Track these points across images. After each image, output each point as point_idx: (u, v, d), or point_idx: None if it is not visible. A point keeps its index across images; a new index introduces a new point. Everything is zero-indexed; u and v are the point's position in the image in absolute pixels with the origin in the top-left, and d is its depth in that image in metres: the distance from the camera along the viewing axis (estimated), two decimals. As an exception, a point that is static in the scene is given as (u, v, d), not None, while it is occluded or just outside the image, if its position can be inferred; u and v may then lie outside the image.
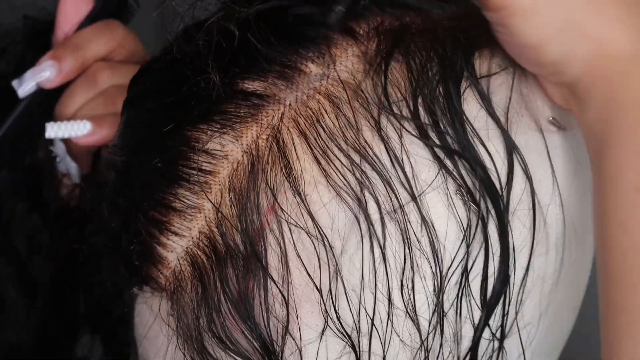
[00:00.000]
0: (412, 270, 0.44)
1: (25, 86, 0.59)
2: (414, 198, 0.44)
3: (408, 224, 0.44)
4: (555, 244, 0.47)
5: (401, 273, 0.44)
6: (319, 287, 0.44)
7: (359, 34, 0.47)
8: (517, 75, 0.47)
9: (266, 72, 0.46)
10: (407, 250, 0.44)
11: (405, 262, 0.44)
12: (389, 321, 0.44)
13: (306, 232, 0.44)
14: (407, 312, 0.44)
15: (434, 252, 0.44)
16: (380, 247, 0.43)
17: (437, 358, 0.45)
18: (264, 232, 0.45)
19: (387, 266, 0.44)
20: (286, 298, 0.44)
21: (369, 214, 0.44)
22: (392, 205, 0.44)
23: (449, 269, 0.44)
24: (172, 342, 0.47)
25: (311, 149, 0.44)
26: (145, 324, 0.48)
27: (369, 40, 0.47)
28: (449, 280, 0.44)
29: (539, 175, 0.46)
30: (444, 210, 0.44)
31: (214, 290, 0.45)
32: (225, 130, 0.46)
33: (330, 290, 0.44)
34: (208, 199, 0.45)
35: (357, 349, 0.44)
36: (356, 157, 0.44)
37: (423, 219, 0.44)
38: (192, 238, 0.46)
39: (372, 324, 0.44)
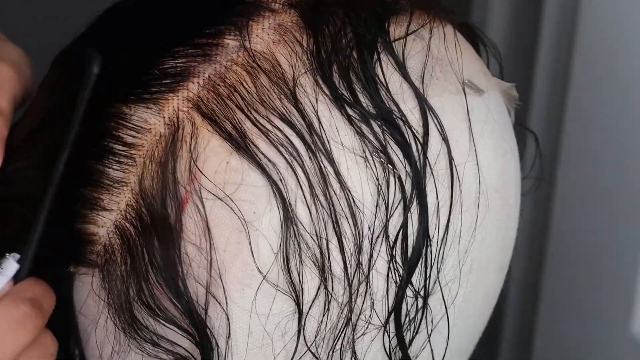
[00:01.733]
0: (335, 233, 0.45)
1: None
2: (331, 162, 0.45)
3: (327, 187, 0.45)
4: (473, 202, 0.48)
5: (317, 235, 0.45)
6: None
7: (273, 7, 0.48)
8: (433, 40, 0.49)
9: (185, 48, 0.47)
10: (327, 211, 0.45)
11: (325, 225, 0.45)
12: (322, 284, 0.45)
13: (223, 201, 0.45)
14: (325, 272, 0.45)
15: (352, 213, 0.45)
16: (291, 210, 0.45)
17: (359, 316, 0.46)
18: (187, 201, 0.46)
19: (307, 229, 0.45)
20: (208, 261, 0.45)
21: (286, 180, 0.45)
22: (310, 169, 0.45)
23: (370, 229, 0.45)
24: (104, 315, 0.48)
25: (230, 117, 0.46)
26: (81, 300, 0.50)
27: (285, 12, 0.48)
28: (371, 240, 0.45)
29: (455, 135, 0.47)
30: (362, 172, 0.45)
31: (142, 260, 0.46)
32: (147, 104, 0.47)
33: (252, 250, 0.45)
34: (131, 171, 0.47)
35: (300, 303, 0.45)
36: (275, 123, 0.45)
37: (340, 180, 0.45)
38: (121, 211, 0.47)
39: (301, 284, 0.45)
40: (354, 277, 0.46)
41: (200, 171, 0.46)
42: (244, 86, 0.46)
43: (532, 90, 1.11)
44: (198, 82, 0.47)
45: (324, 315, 0.46)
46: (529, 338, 1.13)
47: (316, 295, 0.45)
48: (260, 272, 0.45)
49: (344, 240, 0.45)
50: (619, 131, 0.98)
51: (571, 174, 1.03)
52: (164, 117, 0.47)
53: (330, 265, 0.45)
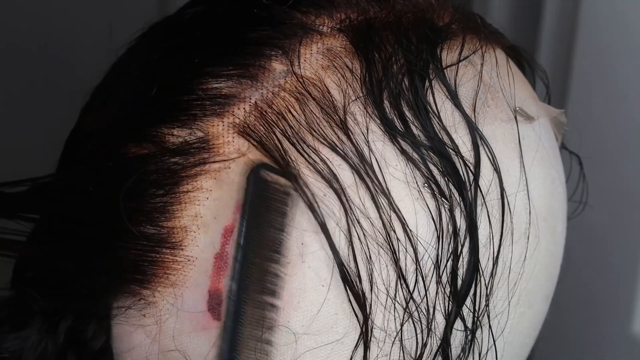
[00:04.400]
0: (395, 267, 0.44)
1: None
2: (384, 194, 0.44)
3: (378, 218, 0.44)
4: (524, 233, 0.47)
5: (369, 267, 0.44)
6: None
7: (322, 30, 0.47)
8: (485, 65, 0.48)
9: (230, 71, 0.46)
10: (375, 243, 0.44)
11: (370, 257, 0.44)
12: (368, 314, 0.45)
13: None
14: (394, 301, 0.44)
15: (404, 245, 0.44)
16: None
17: (411, 350, 0.45)
18: (231, 230, 0.45)
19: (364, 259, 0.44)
20: None
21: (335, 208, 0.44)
22: (363, 200, 0.44)
23: (419, 261, 0.45)
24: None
25: (277, 147, 0.45)
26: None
27: (334, 37, 0.47)
28: (422, 273, 0.45)
29: (506, 165, 0.47)
30: (412, 203, 0.44)
31: None
32: (191, 128, 0.46)
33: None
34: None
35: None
36: (324, 153, 0.44)
37: (395, 212, 0.44)
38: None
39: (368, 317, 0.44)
40: (405, 310, 0.45)
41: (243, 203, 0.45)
42: (291, 113, 0.45)
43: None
44: (244, 108, 0.45)
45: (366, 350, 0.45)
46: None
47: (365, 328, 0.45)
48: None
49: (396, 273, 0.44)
50: (619, 131, 0.97)
51: (571, 174, 1.03)
52: (206, 144, 0.46)
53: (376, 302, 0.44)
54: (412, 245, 0.44)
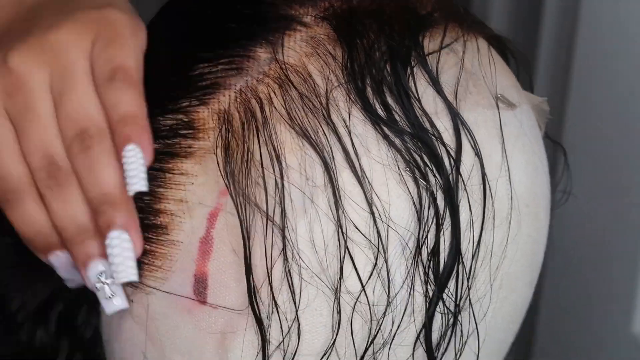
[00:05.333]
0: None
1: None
2: (362, 179, 0.45)
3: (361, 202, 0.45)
4: (505, 218, 0.48)
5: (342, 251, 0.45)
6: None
7: (306, 19, 0.48)
8: (467, 53, 0.48)
9: (216, 60, 0.47)
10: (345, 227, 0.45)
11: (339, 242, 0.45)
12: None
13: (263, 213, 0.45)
14: (363, 288, 0.45)
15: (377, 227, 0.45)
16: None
17: (391, 333, 0.46)
18: (216, 216, 0.46)
19: (341, 243, 0.45)
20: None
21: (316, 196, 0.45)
22: (337, 184, 0.45)
23: (406, 245, 0.45)
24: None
25: (257, 132, 0.45)
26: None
27: (317, 25, 0.48)
28: (405, 257, 0.45)
29: (488, 151, 0.47)
30: (394, 186, 0.45)
31: None
32: (175, 116, 0.47)
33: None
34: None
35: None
36: (303, 141, 0.45)
37: (374, 195, 0.45)
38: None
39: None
40: (389, 294, 0.45)
41: (230, 188, 0.45)
42: (275, 99, 0.46)
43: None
44: (229, 95, 0.46)
45: (351, 333, 0.46)
46: (529, 338, 1.13)
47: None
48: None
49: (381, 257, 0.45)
50: (619, 132, 0.98)
51: (571, 174, 1.04)
52: (193, 130, 0.46)
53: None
54: (394, 229, 0.45)
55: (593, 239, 1.03)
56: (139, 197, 0.46)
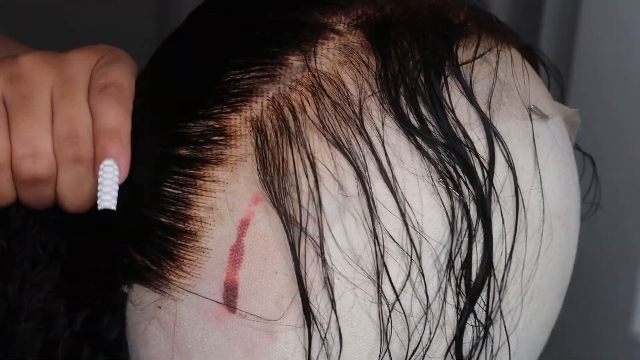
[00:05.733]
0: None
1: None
2: (390, 187, 0.44)
3: (387, 212, 0.44)
4: (537, 230, 0.48)
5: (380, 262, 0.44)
6: None
7: (339, 27, 0.47)
8: (500, 63, 0.48)
9: (250, 67, 0.46)
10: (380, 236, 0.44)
11: (375, 252, 0.44)
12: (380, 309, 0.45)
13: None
14: (397, 298, 0.44)
15: (412, 239, 0.45)
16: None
17: (423, 346, 0.45)
18: (247, 223, 0.45)
19: (374, 251, 0.44)
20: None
21: (350, 202, 0.44)
22: (371, 194, 0.44)
23: (438, 257, 0.45)
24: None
25: (290, 141, 0.45)
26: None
27: (350, 33, 0.47)
28: (436, 268, 0.45)
29: (521, 162, 0.47)
30: (427, 197, 0.45)
31: None
32: (208, 122, 0.46)
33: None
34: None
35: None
36: (336, 150, 0.45)
37: (407, 206, 0.44)
38: None
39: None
40: (428, 305, 0.45)
41: (267, 192, 0.45)
42: (307, 107, 0.45)
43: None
44: (262, 102, 0.46)
45: (382, 344, 0.45)
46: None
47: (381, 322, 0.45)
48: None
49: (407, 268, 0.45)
50: (619, 131, 0.98)
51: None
52: (225, 136, 0.46)
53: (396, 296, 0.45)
54: (427, 240, 0.45)
55: (593, 239, 1.03)
56: (169, 201, 0.46)
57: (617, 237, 1.01)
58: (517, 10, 1.20)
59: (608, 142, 0.98)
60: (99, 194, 0.46)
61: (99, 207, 0.46)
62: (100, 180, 0.46)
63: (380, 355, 0.45)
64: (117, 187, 0.46)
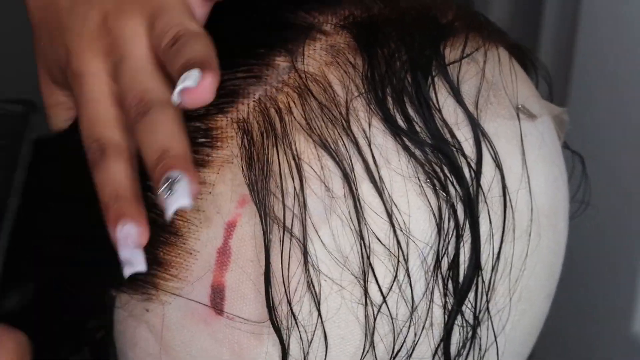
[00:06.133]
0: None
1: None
2: (381, 190, 0.44)
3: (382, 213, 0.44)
4: (525, 230, 0.47)
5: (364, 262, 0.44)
6: None
7: (326, 28, 0.47)
8: (487, 63, 0.48)
9: (235, 68, 0.46)
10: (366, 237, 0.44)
11: (362, 253, 0.44)
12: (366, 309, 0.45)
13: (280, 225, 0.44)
14: (384, 300, 0.44)
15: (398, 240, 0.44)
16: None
17: (408, 347, 0.45)
18: (234, 225, 0.45)
19: (361, 253, 0.44)
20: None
21: (336, 204, 0.44)
22: (358, 195, 0.44)
23: (425, 258, 0.45)
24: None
25: (276, 142, 0.45)
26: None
27: (337, 34, 0.47)
28: (424, 269, 0.45)
29: (508, 162, 0.47)
30: (414, 197, 0.45)
31: None
32: (194, 124, 0.46)
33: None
34: None
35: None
36: (322, 151, 0.45)
37: (392, 206, 0.44)
38: None
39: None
40: (413, 306, 0.45)
41: (252, 194, 0.45)
42: (294, 108, 0.45)
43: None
44: (248, 104, 0.46)
45: (367, 345, 0.45)
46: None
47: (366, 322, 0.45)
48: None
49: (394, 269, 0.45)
50: (619, 131, 0.98)
51: (573, 173, 1.04)
52: (211, 138, 0.46)
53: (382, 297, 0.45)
54: (414, 242, 0.44)
55: (593, 239, 1.03)
56: (153, 201, 0.46)
57: (618, 237, 1.00)
58: (517, 10, 1.20)
59: (608, 142, 0.98)
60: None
61: (126, 275, 0.43)
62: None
63: (362, 356, 0.45)
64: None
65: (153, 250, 0.46)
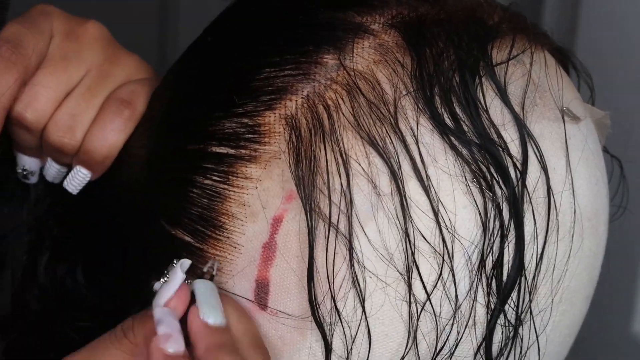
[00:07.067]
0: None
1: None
2: (423, 187, 0.44)
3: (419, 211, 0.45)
4: (568, 231, 0.48)
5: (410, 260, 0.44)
6: None
7: (374, 27, 0.47)
8: (534, 65, 0.48)
9: (284, 65, 0.47)
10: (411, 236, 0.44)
11: (407, 250, 0.44)
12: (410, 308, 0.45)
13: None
14: (428, 297, 0.45)
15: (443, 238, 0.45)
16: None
17: (450, 345, 0.45)
18: (281, 220, 0.45)
19: (406, 250, 0.44)
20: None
21: (384, 202, 0.44)
22: (404, 193, 0.44)
23: (470, 257, 0.45)
24: None
25: (324, 139, 0.45)
26: None
27: (385, 33, 0.47)
28: (468, 268, 0.45)
29: (553, 164, 0.47)
30: (460, 196, 0.45)
31: None
32: (241, 120, 0.47)
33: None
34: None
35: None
36: (370, 149, 0.45)
37: (438, 205, 0.45)
38: None
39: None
40: (457, 304, 0.45)
41: (300, 192, 0.45)
42: (342, 105, 0.45)
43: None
44: (296, 100, 0.46)
45: (411, 343, 0.46)
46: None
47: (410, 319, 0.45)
48: None
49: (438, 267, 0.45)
50: (618, 131, 0.98)
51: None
52: (258, 134, 0.46)
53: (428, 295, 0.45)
54: (459, 240, 0.45)
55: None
56: (201, 195, 0.46)
57: (617, 237, 1.01)
58: (517, 10, 1.20)
59: (608, 142, 0.98)
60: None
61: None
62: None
63: (404, 352, 0.45)
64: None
65: (198, 244, 0.47)
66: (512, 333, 0.46)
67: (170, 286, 0.45)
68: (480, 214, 0.45)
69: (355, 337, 0.45)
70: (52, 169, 0.55)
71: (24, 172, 0.56)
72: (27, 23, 0.52)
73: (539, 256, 0.46)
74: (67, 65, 0.52)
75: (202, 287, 0.45)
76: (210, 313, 0.44)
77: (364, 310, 0.45)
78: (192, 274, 0.47)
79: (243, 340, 0.44)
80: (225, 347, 0.43)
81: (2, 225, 0.57)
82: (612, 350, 1.03)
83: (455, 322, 0.45)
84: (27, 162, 0.55)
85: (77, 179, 0.53)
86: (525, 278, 0.46)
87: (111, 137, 0.51)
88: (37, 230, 0.57)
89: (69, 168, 0.54)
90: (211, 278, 0.46)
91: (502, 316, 0.46)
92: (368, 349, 0.45)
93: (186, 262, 0.46)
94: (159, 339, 0.42)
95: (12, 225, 0.57)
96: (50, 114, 0.51)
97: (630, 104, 0.96)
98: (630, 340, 1.00)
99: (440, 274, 0.45)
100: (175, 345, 0.42)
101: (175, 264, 0.46)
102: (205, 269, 0.46)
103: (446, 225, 0.45)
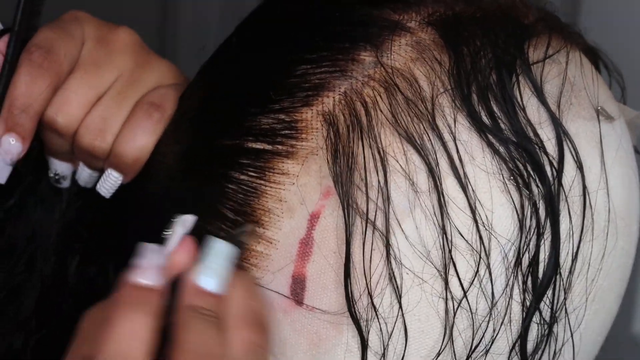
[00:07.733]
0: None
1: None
2: (461, 184, 0.45)
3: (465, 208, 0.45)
4: (602, 230, 0.48)
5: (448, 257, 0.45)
6: None
7: (411, 24, 0.47)
8: (569, 63, 0.48)
9: (321, 62, 0.47)
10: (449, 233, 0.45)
11: (444, 247, 0.45)
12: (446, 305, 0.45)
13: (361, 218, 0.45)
14: (465, 294, 0.45)
15: (481, 236, 0.45)
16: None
17: (486, 342, 0.46)
18: (318, 216, 0.45)
19: (443, 247, 0.45)
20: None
21: (422, 198, 0.45)
22: (442, 190, 0.45)
23: (506, 254, 0.45)
24: None
25: (362, 136, 0.45)
26: None
27: (422, 30, 0.47)
28: (505, 265, 0.45)
29: (588, 163, 0.47)
30: (497, 194, 0.45)
31: None
32: (278, 116, 0.47)
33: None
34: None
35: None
36: (408, 145, 0.45)
37: (476, 202, 0.45)
38: None
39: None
40: (493, 302, 0.45)
41: (337, 188, 0.45)
42: (380, 102, 0.45)
43: (625, 104, 1.12)
44: (333, 97, 0.46)
45: (447, 339, 0.46)
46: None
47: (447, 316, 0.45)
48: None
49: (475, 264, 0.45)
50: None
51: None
52: (295, 130, 0.46)
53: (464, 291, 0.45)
54: (496, 238, 0.45)
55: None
56: (237, 190, 0.46)
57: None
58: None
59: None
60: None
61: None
62: None
63: (440, 349, 0.45)
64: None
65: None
66: (547, 331, 0.46)
67: (172, 239, 0.46)
68: (517, 211, 0.45)
69: (391, 334, 0.45)
70: (84, 174, 0.55)
71: (56, 177, 0.56)
72: (58, 29, 0.52)
73: (574, 254, 0.46)
74: (98, 70, 0.52)
75: (215, 246, 0.45)
76: (203, 274, 0.44)
77: (400, 307, 0.45)
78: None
79: (237, 314, 0.44)
80: (203, 312, 0.43)
81: (34, 228, 0.57)
82: (612, 350, 1.03)
83: (491, 319, 0.45)
84: (59, 167, 0.56)
85: (109, 182, 0.53)
86: (561, 276, 0.46)
87: (141, 139, 0.52)
88: (66, 233, 0.57)
89: (101, 172, 0.54)
90: (240, 246, 0.46)
91: (537, 314, 0.46)
92: (404, 346, 0.45)
93: (189, 217, 0.47)
94: (132, 270, 0.43)
95: (43, 228, 0.57)
96: (81, 119, 0.52)
97: (632, 104, 0.96)
98: (630, 340, 1.00)
99: (477, 271, 0.45)
100: (146, 277, 0.43)
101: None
102: (235, 232, 0.47)
103: (483, 223, 0.45)
